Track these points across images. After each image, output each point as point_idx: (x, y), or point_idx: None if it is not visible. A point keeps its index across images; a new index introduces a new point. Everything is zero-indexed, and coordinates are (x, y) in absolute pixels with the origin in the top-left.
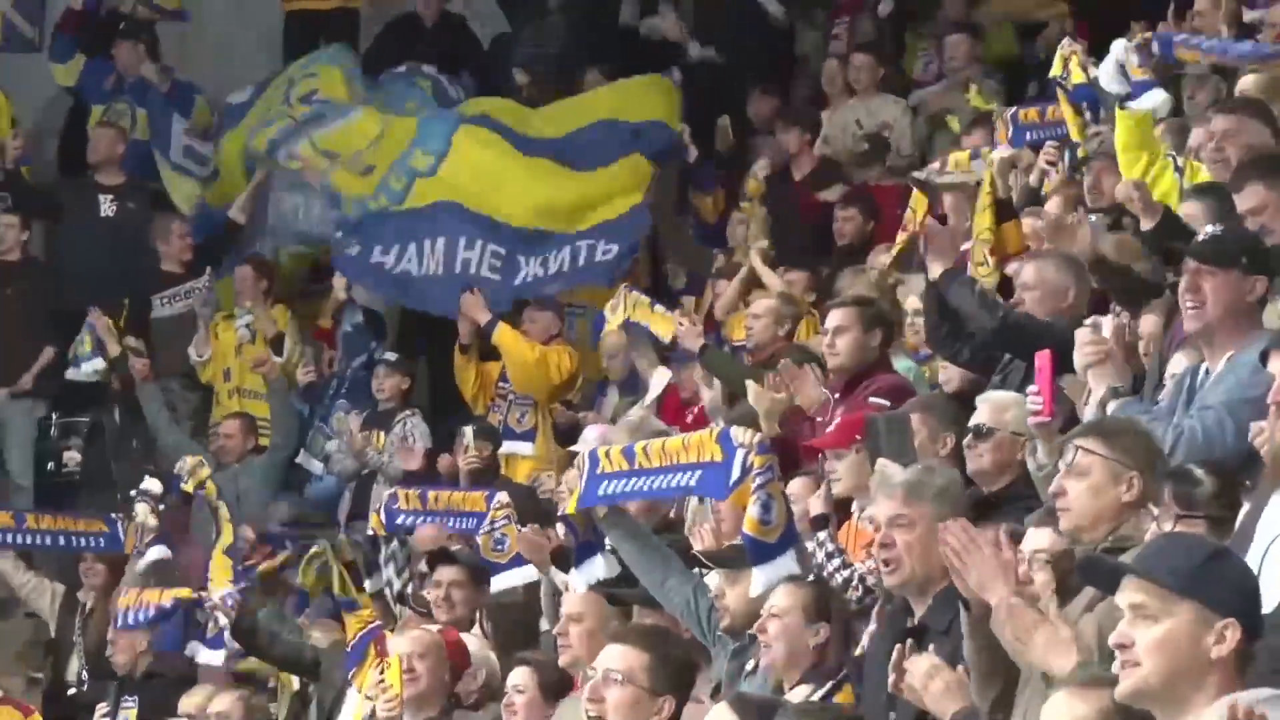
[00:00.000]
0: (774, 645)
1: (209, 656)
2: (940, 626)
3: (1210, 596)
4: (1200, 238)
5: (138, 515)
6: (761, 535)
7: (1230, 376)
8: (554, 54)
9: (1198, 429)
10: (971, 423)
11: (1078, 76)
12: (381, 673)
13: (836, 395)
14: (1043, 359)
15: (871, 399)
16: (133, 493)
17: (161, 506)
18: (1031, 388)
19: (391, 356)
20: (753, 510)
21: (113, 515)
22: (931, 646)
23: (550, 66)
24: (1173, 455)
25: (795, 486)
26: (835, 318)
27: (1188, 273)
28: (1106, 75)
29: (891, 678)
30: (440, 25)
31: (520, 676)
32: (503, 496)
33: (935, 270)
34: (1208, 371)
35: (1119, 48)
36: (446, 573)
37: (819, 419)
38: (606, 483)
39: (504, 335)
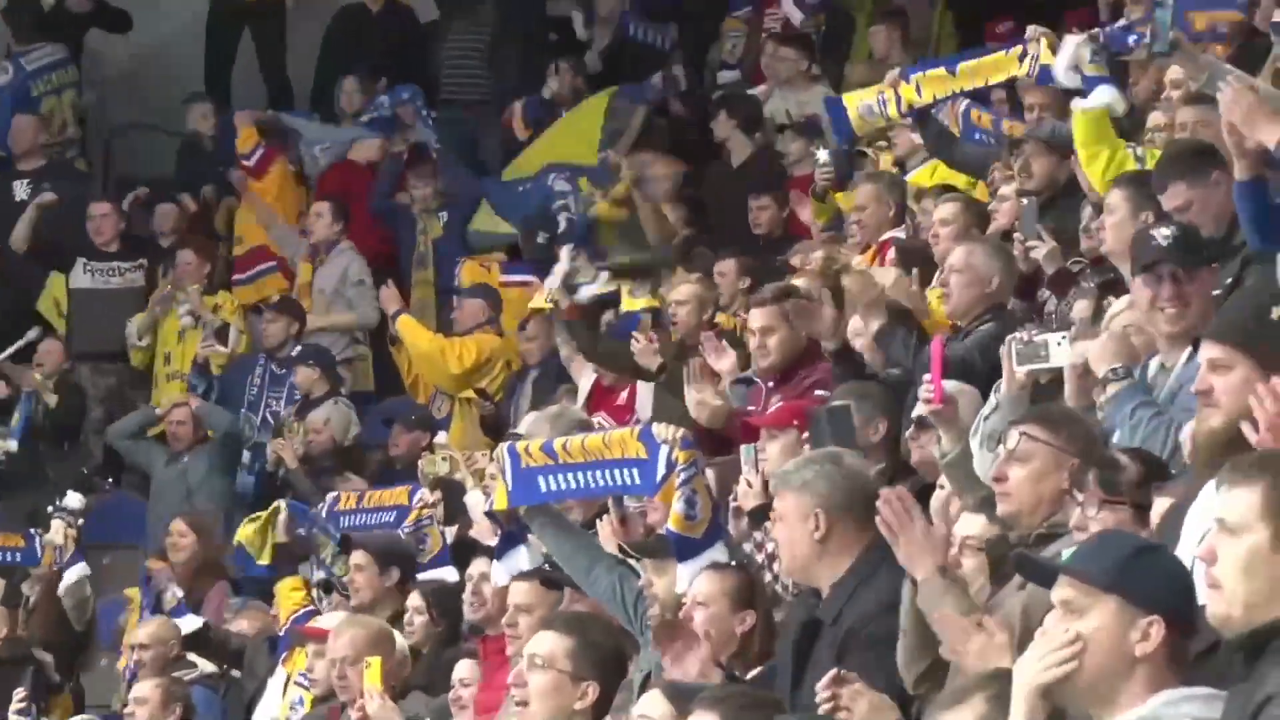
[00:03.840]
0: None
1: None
2: (829, 618)
3: (1134, 592)
4: (1161, 242)
5: (53, 533)
6: (687, 531)
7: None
8: (485, 43)
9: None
10: (914, 414)
11: (1046, 58)
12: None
13: (770, 384)
14: (934, 346)
15: (817, 393)
16: (50, 509)
17: (80, 522)
18: (925, 376)
19: (295, 350)
20: (677, 506)
21: (32, 530)
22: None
23: (480, 56)
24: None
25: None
26: (760, 317)
27: (1164, 280)
28: (1061, 70)
29: (824, 695)
30: (386, 13)
31: (466, 669)
32: (425, 494)
33: (872, 326)
34: (1163, 365)
35: (1071, 43)
36: (354, 557)
37: (752, 407)
38: (541, 479)
39: (403, 325)
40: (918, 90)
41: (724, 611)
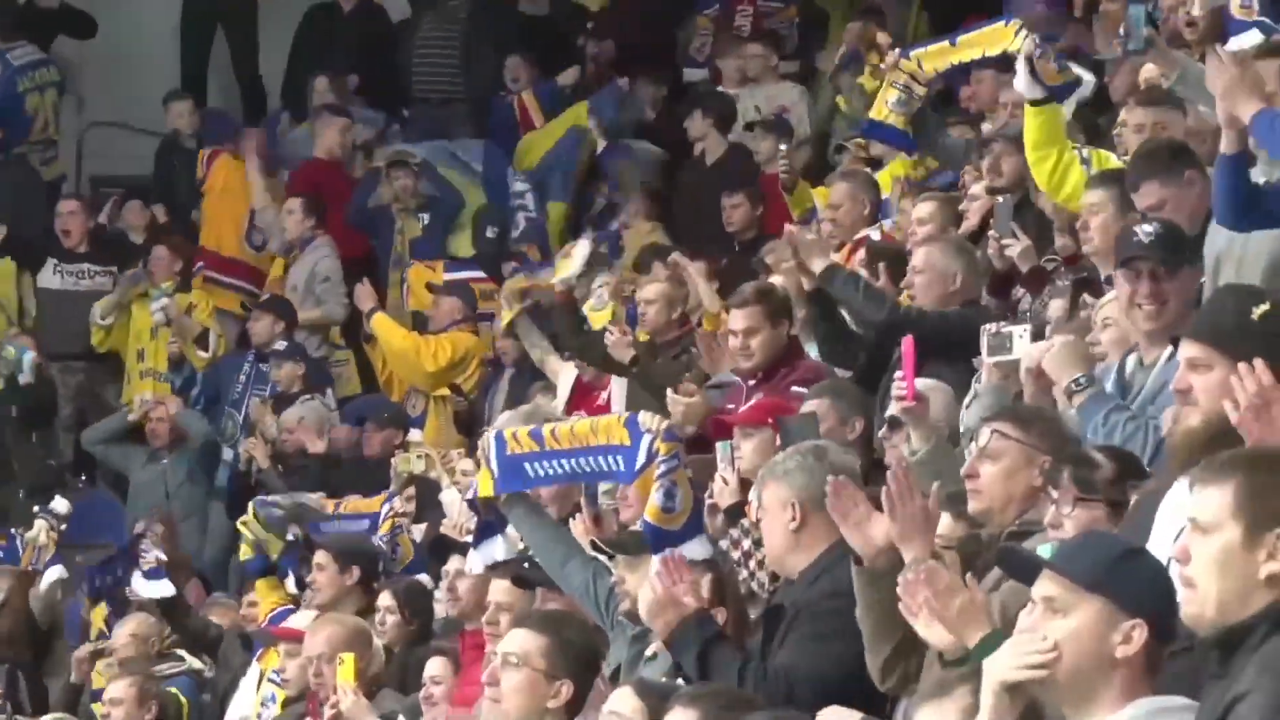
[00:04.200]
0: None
1: (150, 588)
2: (789, 602)
3: (1119, 594)
4: (1143, 238)
5: (35, 533)
6: (663, 523)
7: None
8: (456, 41)
9: (1159, 430)
10: (886, 414)
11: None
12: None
13: (751, 383)
14: (906, 345)
15: (794, 389)
16: (35, 509)
17: (63, 527)
18: (897, 374)
19: (281, 345)
20: (655, 498)
21: (13, 530)
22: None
23: (453, 54)
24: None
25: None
26: (742, 319)
27: (1142, 276)
28: (1023, 81)
29: None
30: (358, 11)
31: (437, 667)
32: (397, 503)
33: (817, 266)
34: (1141, 362)
35: (1025, 57)
36: (315, 557)
37: (731, 406)
38: (527, 465)
39: (378, 323)
40: (919, 65)
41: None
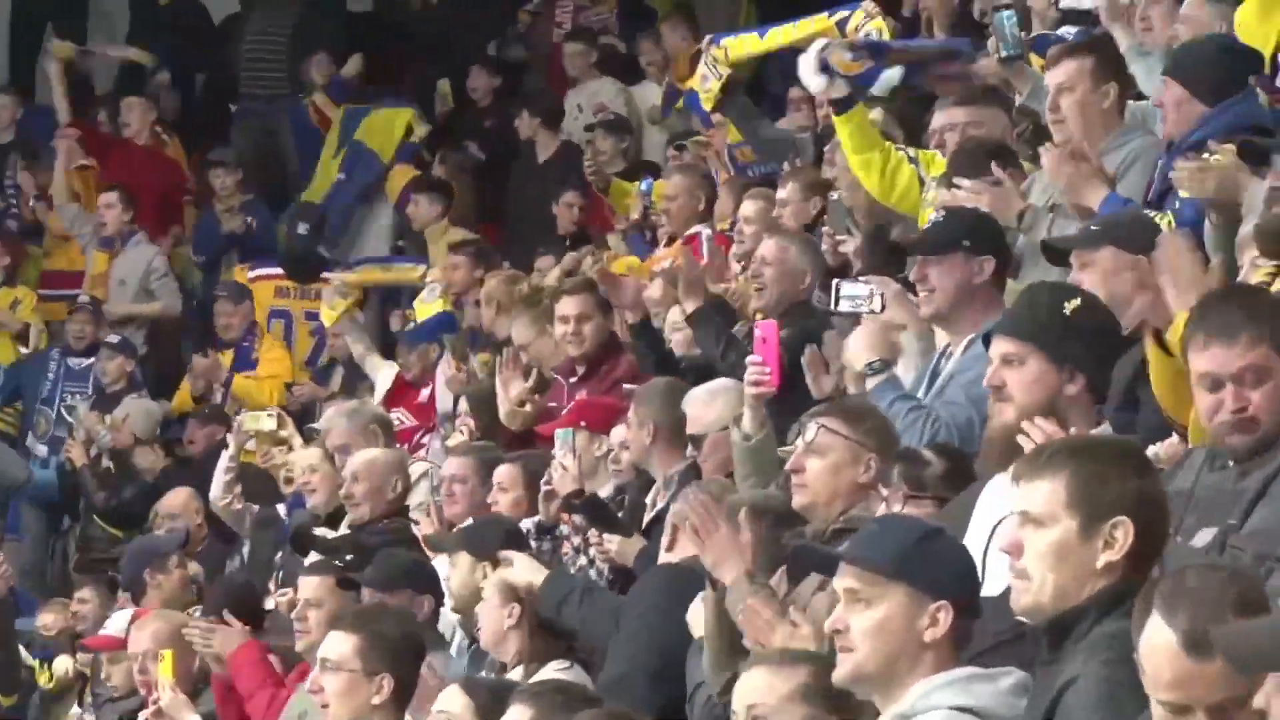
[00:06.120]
0: (481, 629)
1: None
2: None
3: (922, 579)
4: (924, 226)
5: None
6: None
7: (973, 367)
8: (284, 38)
9: (952, 425)
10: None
11: (856, 21)
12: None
13: (573, 380)
14: (768, 329)
15: (625, 387)
16: None
17: None
18: (754, 357)
19: (114, 339)
20: None
21: None
22: None
23: (282, 51)
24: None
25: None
26: (574, 305)
27: (915, 264)
28: (809, 75)
29: None
30: (177, 8)
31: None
32: None
33: (689, 307)
34: (951, 355)
35: (814, 49)
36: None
37: (553, 404)
38: None
39: (241, 387)
40: (726, 53)
41: (493, 606)
